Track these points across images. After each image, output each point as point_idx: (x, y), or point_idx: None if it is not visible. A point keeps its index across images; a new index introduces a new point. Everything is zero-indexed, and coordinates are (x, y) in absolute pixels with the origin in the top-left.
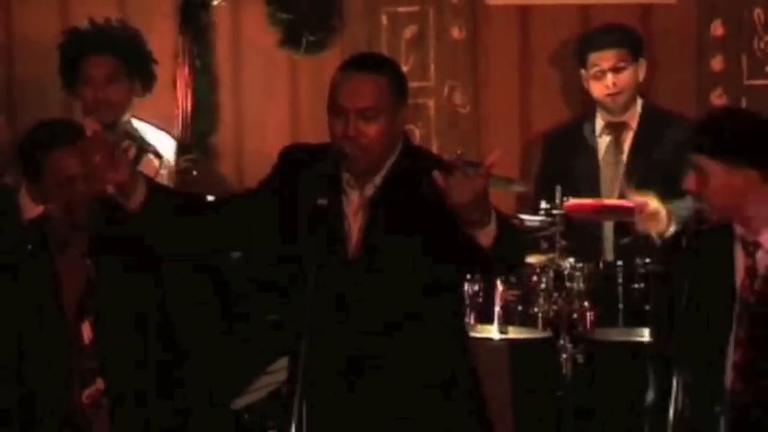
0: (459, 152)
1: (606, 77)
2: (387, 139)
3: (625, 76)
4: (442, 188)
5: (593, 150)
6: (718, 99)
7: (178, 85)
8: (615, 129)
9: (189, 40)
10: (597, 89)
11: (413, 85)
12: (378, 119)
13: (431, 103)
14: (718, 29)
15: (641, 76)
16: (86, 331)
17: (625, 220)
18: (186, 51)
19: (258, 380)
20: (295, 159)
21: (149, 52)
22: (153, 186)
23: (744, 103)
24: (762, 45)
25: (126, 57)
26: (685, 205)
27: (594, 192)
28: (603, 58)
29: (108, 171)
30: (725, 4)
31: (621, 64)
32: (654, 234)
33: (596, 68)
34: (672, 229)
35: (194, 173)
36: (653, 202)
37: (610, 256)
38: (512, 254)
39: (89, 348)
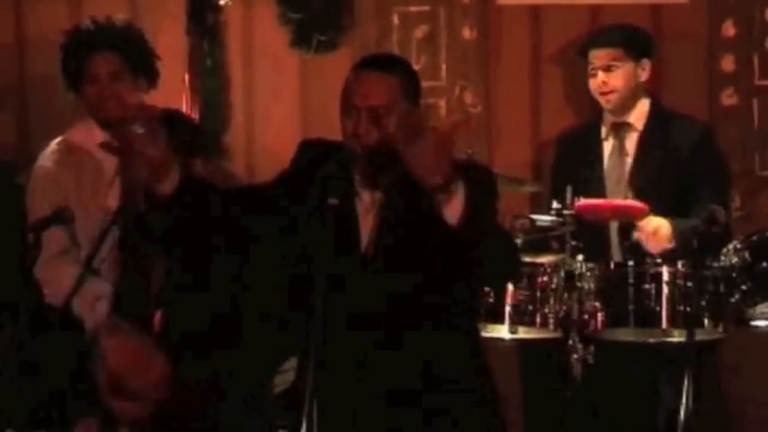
0: (469, 152)
1: (598, 75)
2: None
3: (617, 76)
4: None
5: (599, 153)
6: (728, 99)
7: (186, 84)
8: (619, 130)
9: (197, 40)
10: (592, 86)
11: (424, 84)
12: (389, 118)
13: (442, 102)
14: (729, 29)
15: (643, 76)
16: (157, 320)
17: (635, 221)
18: (194, 51)
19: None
20: (313, 154)
21: (152, 49)
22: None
23: (755, 104)
24: None
25: (129, 54)
26: (688, 222)
27: (600, 195)
28: (597, 57)
29: (148, 146)
30: (736, 4)
31: (614, 63)
32: (655, 252)
33: (591, 66)
34: (672, 245)
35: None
36: (653, 221)
37: (616, 257)
38: (480, 234)
39: (158, 336)
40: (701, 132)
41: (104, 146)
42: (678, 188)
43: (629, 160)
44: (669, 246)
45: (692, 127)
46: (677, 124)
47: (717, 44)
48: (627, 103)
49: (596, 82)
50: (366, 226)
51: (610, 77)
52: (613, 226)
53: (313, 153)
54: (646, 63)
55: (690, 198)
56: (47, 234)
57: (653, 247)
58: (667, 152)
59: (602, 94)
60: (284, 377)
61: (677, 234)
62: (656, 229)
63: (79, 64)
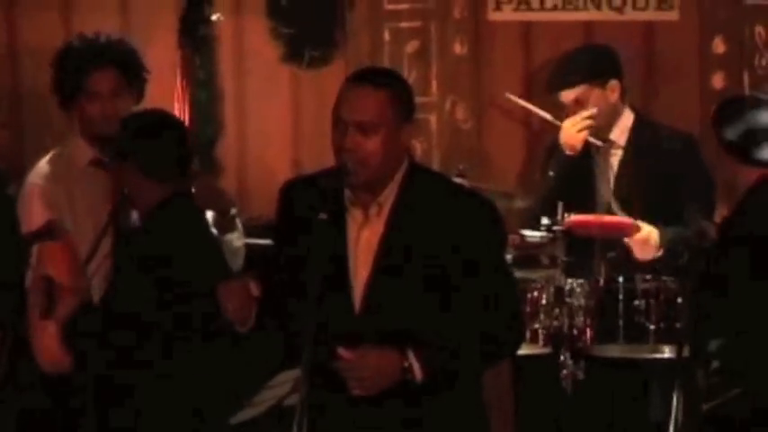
0: (460, 167)
1: (572, 112)
2: (386, 154)
3: (589, 107)
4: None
5: (586, 169)
6: None
7: (176, 98)
8: (603, 147)
9: (188, 54)
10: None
11: (415, 100)
12: (377, 133)
13: (432, 118)
14: (719, 46)
15: (613, 97)
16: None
17: (625, 237)
18: (185, 65)
19: (259, 394)
20: (294, 193)
21: (143, 62)
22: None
23: None
24: (763, 62)
25: (126, 69)
26: (676, 231)
27: (588, 212)
28: (564, 96)
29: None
30: (726, 21)
31: (582, 98)
32: (642, 258)
33: (564, 104)
34: (659, 253)
35: (192, 189)
36: (643, 229)
37: (599, 271)
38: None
39: None
40: (684, 142)
41: (95, 162)
42: (663, 200)
43: (613, 176)
44: (657, 254)
45: (676, 137)
46: (660, 136)
47: (707, 61)
48: (604, 125)
49: (572, 115)
50: (357, 246)
51: (582, 113)
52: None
53: (293, 191)
54: (614, 84)
55: (676, 209)
56: (38, 248)
57: (640, 254)
58: (651, 165)
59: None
60: (274, 392)
61: (665, 242)
62: (646, 238)
63: (77, 81)
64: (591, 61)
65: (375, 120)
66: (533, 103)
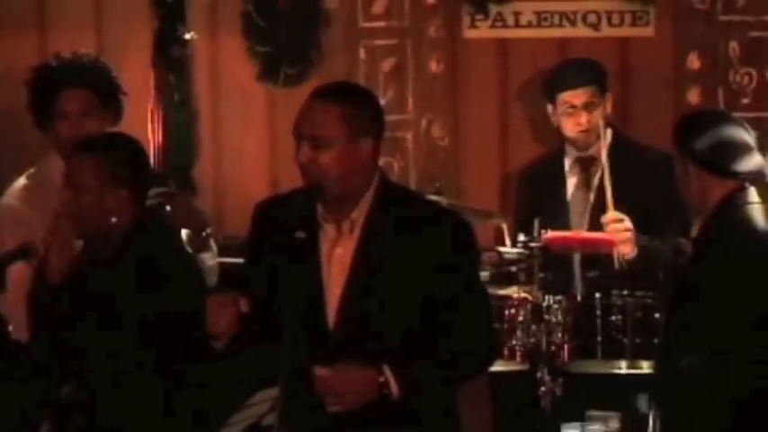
0: (437, 185)
1: (580, 115)
2: (343, 169)
3: (597, 113)
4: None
5: (562, 187)
6: None
7: (151, 118)
8: (584, 164)
9: (162, 74)
10: (569, 126)
11: (391, 118)
12: (329, 147)
13: (409, 136)
14: (694, 62)
15: (609, 109)
16: None
17: (603, 253)
18: (159, 84)
19: (237, 413)
20: (268, 212)
21: (119, 84)
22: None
23: None
24: (738, 78)
25: (99, 89)
26: (652, 238)
27: (564, 228)
28: (576, 96)
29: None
30: (701, 37)
31: (593, 100)
32: (617, 255)
33: (567, 106)
34: (633, 254)
35: (168, 207)
36: (628, 223)
37: (579, 289)
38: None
39: None
40: (662, 161)
41: None
42: (641, 217)
43: (592, 194)
44: (631, 253)
45: (654, 157)
46: (639, 154)
47: (682, 77)
48: (593, 140)
49: (575, 121)
50: (330, 263)
51: (592, 116)
52: (576, 258)
53: (267, 211)
54: (609, 96)
55: (653, 226)
56: (12, 269)
57: (620, 248)
58: (630, 183)
59: (582, 132)
60: (252, 411)
61: (640, 245)
62: (628, 233)
63: (49, 101)
64: (597, 67)
65: (325, 135)
66: (510, 118)
